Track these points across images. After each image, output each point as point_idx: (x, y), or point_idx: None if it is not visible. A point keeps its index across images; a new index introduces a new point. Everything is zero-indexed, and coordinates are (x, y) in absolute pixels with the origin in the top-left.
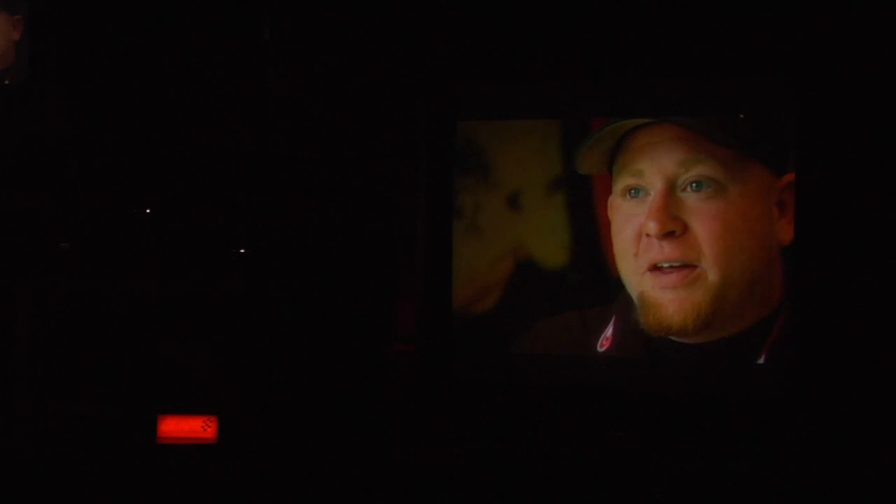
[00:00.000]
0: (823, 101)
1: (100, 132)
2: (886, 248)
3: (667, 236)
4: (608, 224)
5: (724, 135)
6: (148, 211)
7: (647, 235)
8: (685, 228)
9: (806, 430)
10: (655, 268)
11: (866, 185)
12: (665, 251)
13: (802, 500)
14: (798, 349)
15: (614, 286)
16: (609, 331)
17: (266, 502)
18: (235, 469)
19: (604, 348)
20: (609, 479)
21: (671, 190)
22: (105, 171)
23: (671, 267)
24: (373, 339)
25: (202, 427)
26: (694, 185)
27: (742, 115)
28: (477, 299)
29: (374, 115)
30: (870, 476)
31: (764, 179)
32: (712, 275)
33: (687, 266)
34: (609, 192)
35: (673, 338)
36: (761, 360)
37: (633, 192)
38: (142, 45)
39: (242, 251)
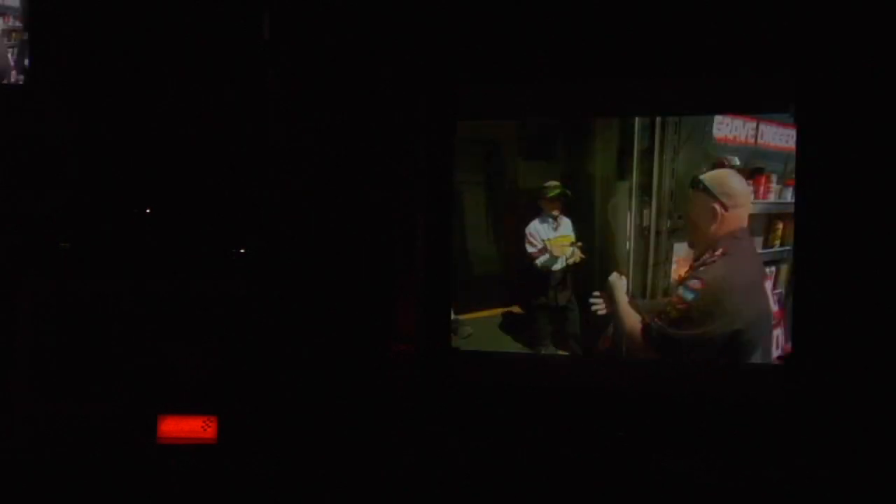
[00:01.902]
0: (823, 101)
1: (100, 132)
2: (887, 248)
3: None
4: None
5: None
6: (148, 211)
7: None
8: None
9: (807, 430)
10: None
11: (866, 185)
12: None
13: (803, 500)
14: (799, 349)
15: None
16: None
17: (266, 502)
18: (235, 469)
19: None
20: (609, 479)
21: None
22: (105, 171)
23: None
24: (373, 339)
25: (202, 427)
26: None
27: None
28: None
29: (374, 114)
30: (870, 476)
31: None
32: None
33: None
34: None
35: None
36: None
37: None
38: (142, 45)
39: (242, 251)
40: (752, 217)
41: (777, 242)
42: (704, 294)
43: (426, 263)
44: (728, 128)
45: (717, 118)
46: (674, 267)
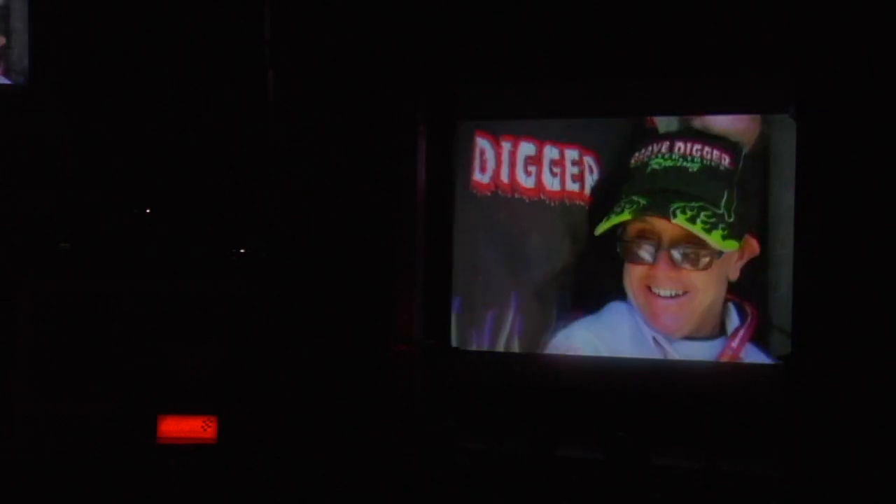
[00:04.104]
0: (823, 101)
1: (100, 132)
2: (887, 248)
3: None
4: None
5: None
6: (148, 211)
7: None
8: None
9: (807, 430)
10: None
11: (866, 184)
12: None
13: (803, 500)
14: (799, 349)
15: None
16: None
17: (266, 502)
18: (235, 469)
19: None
20: (609, 479)
21: None
22: (105, 171)
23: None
24: (373, 339)
25: (202, 427)
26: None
27: None
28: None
29: (375, 115)
30: (870, 475)
31: None
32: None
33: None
34: None
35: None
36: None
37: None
38: (142, 45)
39: (242, 251)
40: None
41: None
42: None
43: (426, 263)
44: None
45: None
46: None
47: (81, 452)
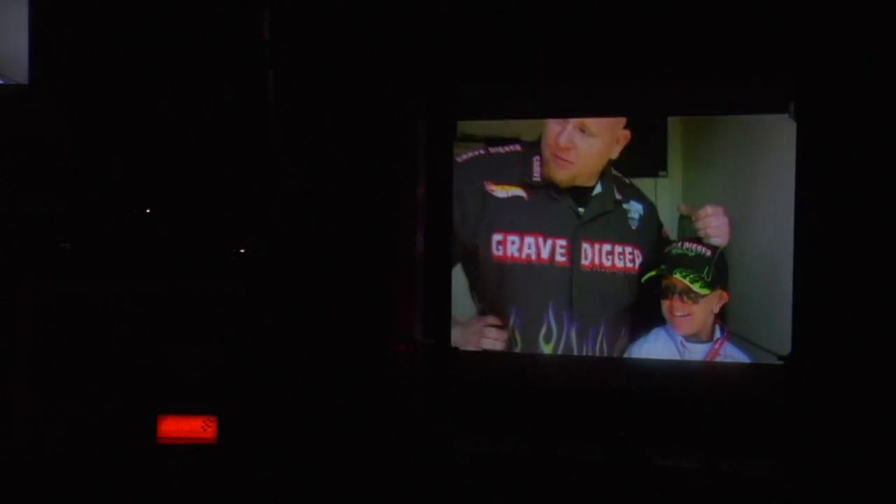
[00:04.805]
0: (823, 101)
1: (100, 132)
2: (887, 248)
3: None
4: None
5: None
6: (148, 211)
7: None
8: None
9: (807, 430)
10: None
11: (866, 184)
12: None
13: (803, 500)
14: (799, 349)
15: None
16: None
17: (266, 502)
18: (235, 469)
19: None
20: (609, 479)
21: None
22: (105, 171)
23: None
24: (373, 339)
25: (202, 427)
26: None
27: None
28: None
29: (374, 115)
30: (870, 475)
31: None
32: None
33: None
34: None
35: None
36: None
37: None
38: (142, 45)
39: (242, 251)
40: None
41: None
42: None
43: (426, 263)
44: None
45: None
46: None
47: (81, 452)
